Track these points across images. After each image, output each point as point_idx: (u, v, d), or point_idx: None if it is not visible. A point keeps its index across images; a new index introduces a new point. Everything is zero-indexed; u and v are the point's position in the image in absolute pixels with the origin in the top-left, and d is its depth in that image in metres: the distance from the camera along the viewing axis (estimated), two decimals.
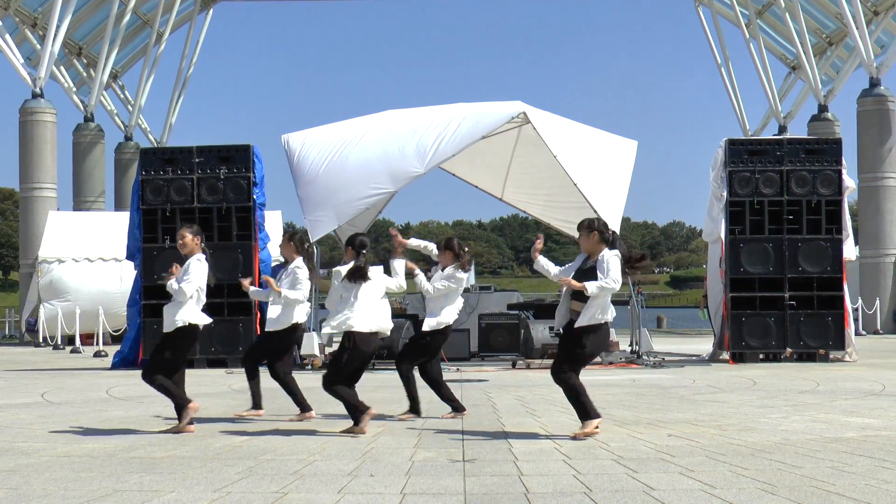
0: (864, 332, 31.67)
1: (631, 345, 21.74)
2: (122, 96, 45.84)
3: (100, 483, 7.38)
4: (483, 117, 20.55)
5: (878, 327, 34.69)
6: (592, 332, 9.38)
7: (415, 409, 11.57)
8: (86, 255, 30.96)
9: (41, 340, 30.60)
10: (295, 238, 12.14)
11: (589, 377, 13.87)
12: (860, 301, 33.28)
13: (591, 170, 20.47)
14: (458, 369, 18.51)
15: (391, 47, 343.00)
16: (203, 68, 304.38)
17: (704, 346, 25.07)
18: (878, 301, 35.00)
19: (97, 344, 27.44)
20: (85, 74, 43.32)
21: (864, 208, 36.26)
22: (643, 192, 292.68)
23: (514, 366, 19.56)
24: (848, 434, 9.71)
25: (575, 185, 19.93)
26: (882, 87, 36.76)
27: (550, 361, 19.00)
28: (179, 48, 46.37)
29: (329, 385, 10.03)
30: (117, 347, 23.14)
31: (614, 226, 20.19)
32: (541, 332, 20.09)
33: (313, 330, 21.08)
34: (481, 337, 21.15)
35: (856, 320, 27.90)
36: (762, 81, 44.69)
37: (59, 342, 29.65)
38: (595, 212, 20.05)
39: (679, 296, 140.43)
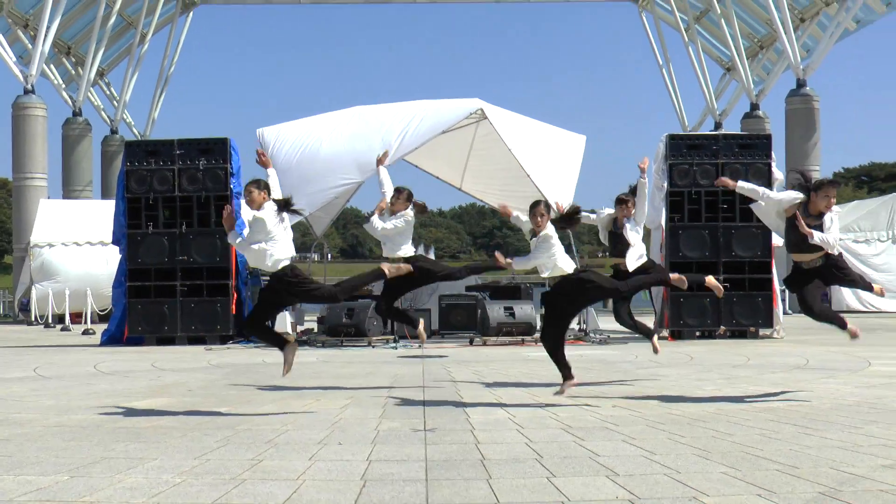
0: (790, 312, 31.89)
1: (579, 323, 21.80)
2: (108, 93, 45.57)
3: (88, 451, 7.33)
4: (444, 113, 20.54)
5: None
6: None
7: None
8: (74, 239, 30.81)
9: (33, 319, 30.42)
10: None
11: (540, 353, 13.93)
12: None
13: (543, 162, 20.52)
14: (419, 346, 18.51)
15: (359, 48, 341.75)
16: (184, 66, 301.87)
17: (646, 323, 25.19)
18: None
19: (85, 322, 27.31)
20: (73, 72, 43.03)
21: None
22: (591, 182, 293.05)
23: (471, 342, 19.59)
24: (775, 404, 9.80)
25: (528, 176, 19.96)
26: (808, 88, 37.06)
27: (505, 338, 19.14)
28: (162, 48, 46.30)
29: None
30: (104, 326, 23.06)
31: None
32: (496, 311, 20.11)
33: (286, 310, 21.02)
34: (441, 316, 21.20)
35: (783, 301, 28.10)
36: (700, 81, 44.92)
37: (50, 321, 29.49)
38: (547, 201, 20.12)
39: None
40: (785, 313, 26.39)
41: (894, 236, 35.13)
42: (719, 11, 40.36)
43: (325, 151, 20.45)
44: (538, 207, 10.09)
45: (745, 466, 6.52)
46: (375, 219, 12.06)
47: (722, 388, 11.25)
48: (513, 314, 20.11)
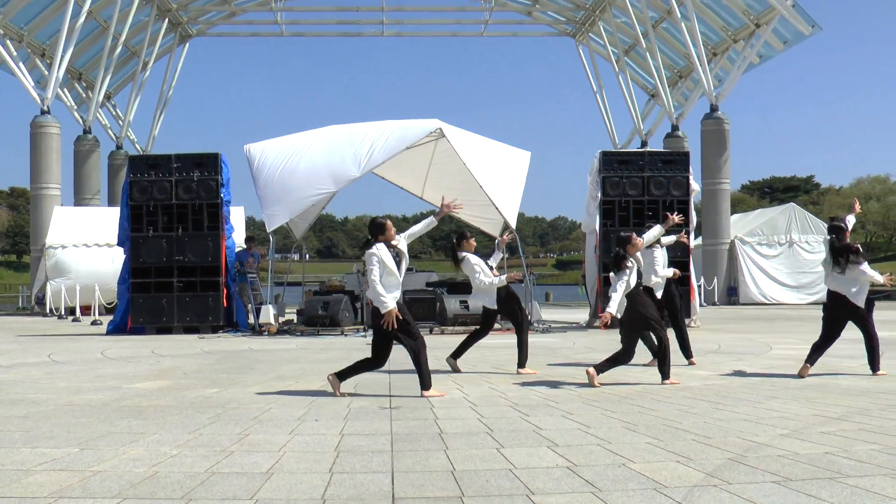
0: (704, 304, 32.17)
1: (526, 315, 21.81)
2: (114, 113, 45.09)
3: (96, 427, 7.26)
4: (407, 131, 20.50)
5: (716, 300, 35.26)
6: None
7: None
8: (84, 241, 30.47)
9: (48, 311, 30.03)
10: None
11: (492, 340, 13.95)
12: (702, 279, 33.80)
13: (494, 174, 20.53)
14: None
15: (334, 73, 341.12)
16: (181, 90, 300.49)
17: (582, 315, 25.31)
18: (715, 279, 35.55)
19: (94, 314, 26.97)
20: (84, 95, 42.58)
21: (705, 207, 36.74)
22: (535, 192, 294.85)
23: (431, 332, 19.56)
24: (692, 383, 9.86)
25: (481, 186, 19.97)
26: (720, 112, 37.31)
27: (460, 328, 19.12)
28: (162, 74, 45.80)
29: None
30: (110, 317, 22.88)
31: (511, 219, 20.32)
32: (453, 304, 20.10)
33: (270, 303, 20.93)
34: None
35: (699, 295, 28.32)
36: (628, 105, 45.11)
37: (63, 313, 29.14)
38: (497, 208, 20.15)
39: (563, 275, 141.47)
40: (701, 305, 26.58)
41: (790, 240, 35.53)
42: (645, 46, 40.56)
43: (303, 165, 20.35)
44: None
45: (666, 437, 6.56)
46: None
47: (647, 370, 11.31)
48: (467, 307, 20.09)
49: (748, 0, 36.61)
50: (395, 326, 8.83)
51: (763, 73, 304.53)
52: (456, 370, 11.48)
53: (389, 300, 8.79)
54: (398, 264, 9.00)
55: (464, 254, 11.44)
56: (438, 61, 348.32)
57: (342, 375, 9.16)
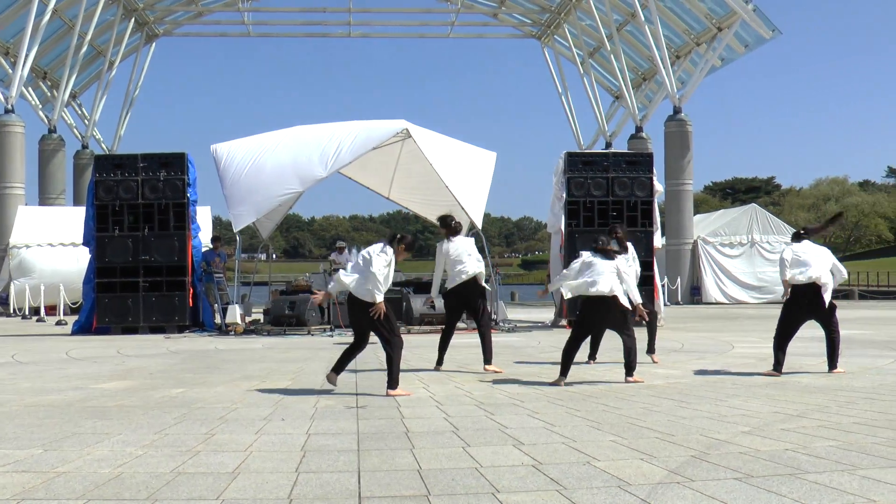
0: (668, 303, 32.36)
1: (490, 313, 21.87)
2: (79, 112, 44.64)
3: (61, 427, 7.18)
4: (374, 132, 20.46)
5: (679, 299, 35.52)
6: None
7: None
8: (49, 241, 30.15)
9: (12, 311, 29.68)
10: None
11: (458, 340, 13.96)
12: (666, 279, 34.02)
13: (460, 175, 20.53)
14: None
15: (301, 73, 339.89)
16: (147, 90, 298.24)
17: (547, 315, 25.40)
18: (679, 279, 35.82)
19: (58, 314, 26.71)
20: (49, 94, 42.12)
21: (669, 207, 36.98)
22: (501, 193, 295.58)
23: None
24: (656, 382, 9.92)
25: (447, 187, 19.97)
26: (683, 114, 37.57)
27: (426, 327, 19.10)
28: (128, 73, 45.41)
29: None
30: (75, 317, 22.66)
31: (477, 220, 20.34)
32: (419, 303, 20.10)
33: (236, 303, 20.82)
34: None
35: (662, 294, 28.50)
36: (593, 107, 45.32)
37: (27, 313, 28.83)
38: (463, 209, 20.16)
39: (528, 275, 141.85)
40: (665, 305, 26.75)
41: (752, 241, 35.88)
42: (609, 48, 40.76)
43: (270, 165, 20.26)
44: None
45: (630, 435, 6.59)
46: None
47: (611, 369, 11.36)
48: (433, 306, 20.04)
49: (710, 4, 36.94)
50: (384, 316, 9.04)
51: (725, 76, 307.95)
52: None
53: (380, 295, 9.01)
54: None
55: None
56: (405, 62, 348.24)
57: (337, 369, 9.30)
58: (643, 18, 37.33)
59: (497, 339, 17.35)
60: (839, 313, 10.82)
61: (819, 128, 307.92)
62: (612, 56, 41.10)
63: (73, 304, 28.07)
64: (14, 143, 34.57)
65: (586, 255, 9.97)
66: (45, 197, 39.76)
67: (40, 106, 41.15)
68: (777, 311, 10.99)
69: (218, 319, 20.89)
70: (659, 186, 21.94)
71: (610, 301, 9.67)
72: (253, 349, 15.34)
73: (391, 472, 5.45)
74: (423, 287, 21.50)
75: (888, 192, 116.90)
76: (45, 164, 40.11)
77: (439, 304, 20.16)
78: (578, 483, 5.13)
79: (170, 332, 20.07)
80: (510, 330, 19.71)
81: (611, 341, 15.80)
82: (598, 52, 45.02)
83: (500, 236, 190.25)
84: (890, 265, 71.58)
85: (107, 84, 43.74)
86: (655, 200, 21.44)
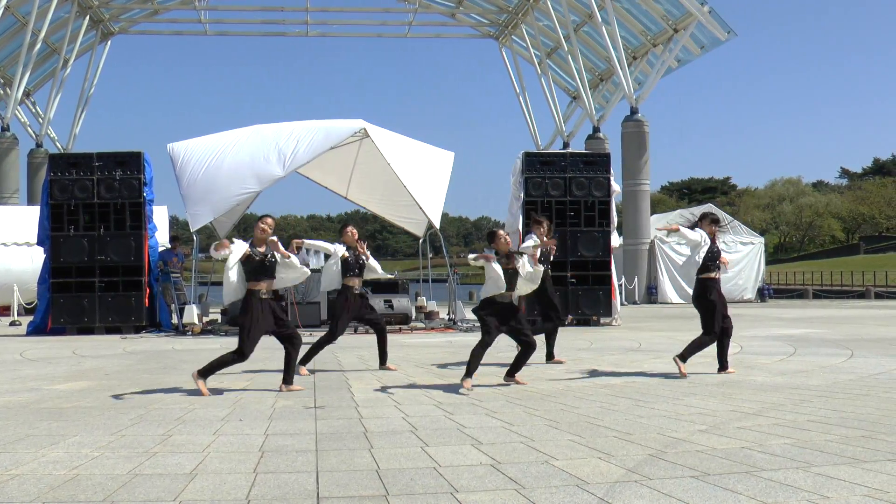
0: (625, 303, 32.59)
1: (448, 313, 21.91)
2: (33, 110, 44.04)
3: (14, 430, 7.08)
4: (332, 131, 20.38)
5: (637, 299, 35.77)
6: None
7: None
8: (2, 240, 29.71)
9: None
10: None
11: (415, 339, 13.96)
12: (623, 279, 34.23)
13: (418, 175, 20.52)
14: (310, 333, 18.33)
15: (258, 72, 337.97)
16: (103, 88, 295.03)
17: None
18: (636, 279, 36.07)
19: (12, 315, 26.32)
20: (2, 92, 41.52)
21: (626, 207, 37.23)
22: (459, 193, 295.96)
23: (356, 331, 19.49)
24: (614, 381, 9.99)
25: (405, 186, 19.95)
26: (639, 115, 37.82)
27: (386, 326, 19.03)
28: (83, 71, 44.86)
29: None
30: (30, 318, 22.36)
31: (435, 219, 20.35)
32: (377, 303, 20.05)
33: (193, 303, 20.66)
34: (329, 308, 20.93)
35: (620, 293, 28.68)
36: (550, 107, 45.53)
37: None
38: (421, 208, 20.16)
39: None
40: (622, 304, 26.94)
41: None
42: (567, 49, 40.98)
43: (227, 164, 20.12)
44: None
45: (588, 434, 6.63)
46: None
47: (569, 368, 11.42)
48: (392, 306, 20.09)
49: (667, 6, 37.24)
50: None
51: (681, 77, 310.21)
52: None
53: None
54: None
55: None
56: (363, 62, 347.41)
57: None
58: (600, 19, 37.56)
59: (455, 338, 17.39)
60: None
61: (774, 128, 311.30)
62: (569, 56, 41.31)
63: (27, 304, 27.68)
64: None
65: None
66: None
67: None
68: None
69: (175, 320, 20.71)
70: (616, 187, 22.09)
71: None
72: (210, 350, 15.21)
73: (350, 473, 5.44)
74: (381, 287, 21.44)
75: (841, 193, 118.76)
76: None
77: (398, 303, 20.28)
78: (537, 482, 5.16)
79: (126, 333, 19.88)
80: (468, 329, 19.73)
81: (565, 340, 15.89)
82: (555, 53, 45.25)
83: (458, 236, 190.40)
84: (843, 265, 72.62)
85: (61, 82, 43.20)
86: (613, 200, 21.57)
